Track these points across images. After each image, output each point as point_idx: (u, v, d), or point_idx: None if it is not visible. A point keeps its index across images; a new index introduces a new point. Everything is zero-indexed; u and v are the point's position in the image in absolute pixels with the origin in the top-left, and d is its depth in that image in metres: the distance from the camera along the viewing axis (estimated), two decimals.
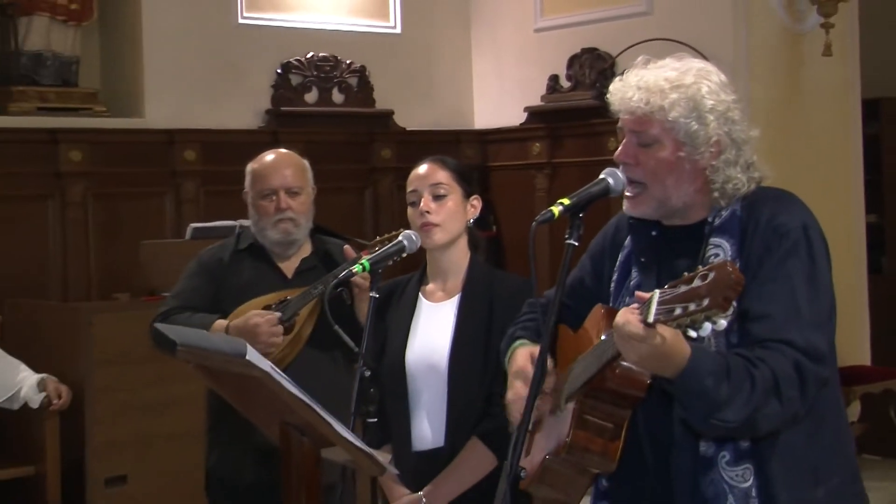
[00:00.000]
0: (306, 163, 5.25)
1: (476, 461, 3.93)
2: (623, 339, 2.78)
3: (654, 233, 3.25)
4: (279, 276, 5.13)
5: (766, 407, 2.87)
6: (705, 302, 2.59)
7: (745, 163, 3.15)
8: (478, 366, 3.97)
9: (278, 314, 4.87)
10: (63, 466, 7.22)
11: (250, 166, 5.22)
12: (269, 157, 5.22)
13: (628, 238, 3.32)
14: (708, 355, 2.84)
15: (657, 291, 2.70)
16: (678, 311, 2.63)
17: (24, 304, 8.09)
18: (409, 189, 4.17)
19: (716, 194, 3.15)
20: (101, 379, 7.28)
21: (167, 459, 7.31)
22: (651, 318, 2.68)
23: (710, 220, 3.16)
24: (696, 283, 2.63)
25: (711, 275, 2.62)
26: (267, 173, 5.13)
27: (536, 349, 3.31)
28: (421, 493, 4.02)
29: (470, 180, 4.22)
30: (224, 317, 4.97)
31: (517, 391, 3.32)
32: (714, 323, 2.62)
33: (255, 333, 4.77)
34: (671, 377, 2.83)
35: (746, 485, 3.01)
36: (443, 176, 4.13)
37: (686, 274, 2.68)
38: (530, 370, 3.24)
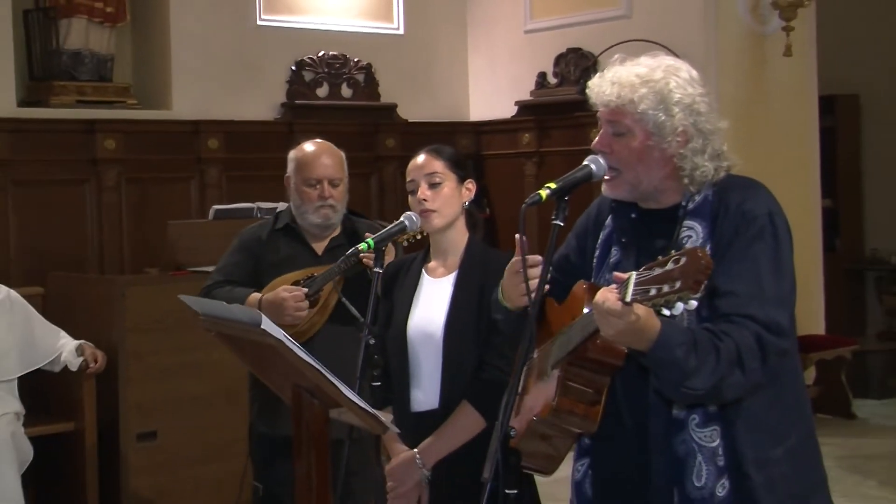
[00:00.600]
0: (343, 154, 5.28)
1: (465, 423, 3.92)
2: (602, 316, 2.80)
3: (633, 215, 3.25)
4: (311, 253, 5.15)
5: (730, 377, 2.90)
6: (677, 284, 2.62)
7: (713, 151, 3.15)
8: (470, 335, 3.97)
9: (304, 289, 4.90)
10: (99, 423, 7.24)
11: (294, 154, 5.23)
12: (313, 147, 5.23)
13: (609, 219, 3.32)
14: (677, 329, 2.85)
15: (634, 273, 2.72)
16: (653, 292, 2.65)
17: (63, 278, 8.09)
18: (408, 179, 4.17)
19: (685, 180, 3.15)
20: (133, 345, 7.29)
21: (192, 417, 7.34)
22: (628, 298, 2.70)
23: (683, 204, 3.16)
24: (670, 266, 2.65)
25: (683, 259, 2.63)
26: (312, 163, 5.15)
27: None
28: (416, 450, 4.02)
29: (464, 166, 4.20)
30: (259, 290, 5.02)
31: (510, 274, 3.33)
32: (686, 303, 2.64)
33: (282, 307, 4.85)
34: (644, 350, 2.85)
35: (714, 444, 3.01)
36: (437, 165, 4.12)
37: (661, 257, 2.69)
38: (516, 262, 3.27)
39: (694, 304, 2.65)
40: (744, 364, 2.91)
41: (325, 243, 5.16)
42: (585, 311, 2.96)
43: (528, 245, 3.16)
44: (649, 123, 3.12)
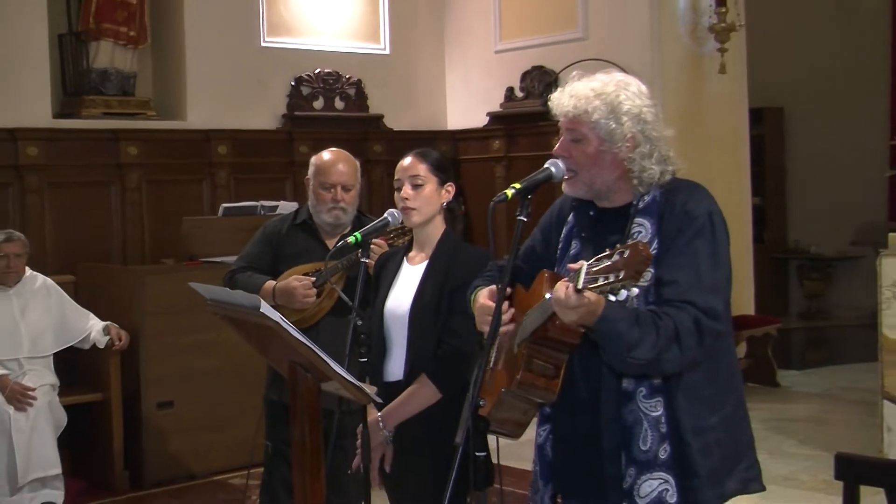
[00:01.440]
0: (357, 163, 5.25)
1: (422, 393, 3.89)
2: (558, 303, 2.80)
3: (591, 213, 3.24)
4: (323, 248, 5.12)
5: (668, 352, 2.90)
6: (622, 274, 2.63)
7: (660, 156, 3.14)
8: (431, 316, 3.95)
9: (312, 279, 4.94)
10: (123, 393, 7.26)
11: (314, 159, 5.20)
12: (330, 155, 5.19)
13: (571, 216, 3.31)
14: (620, 308, 2.85)
15: (584, 264, 2.72)
16: (601, 280, 2.66)
17: (92, 267, 8.09)
18: (395, 177, 4.15)
19: (635, 181, 3.14)
20: (152, 326, 7.32)
21: (204, 388, 7.36)
22: (580, 285, 2.70)
23: (634, 203, 3.15)
24: (615, 258, 2.66)
25: (627, 252, 2.65)
26: (328, 169, 5.12)
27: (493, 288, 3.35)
28: (379, 414, 4.02)
29: (446, 170, 4.16)
30: (275, 277, 5.05)
31: (480, 313, 3.30)
32: (629, 290, 2.65)
33: (293, 294, 4.92)
34: (593, 327, 2.86)
35: (657, 413, 3.01)
36: (421, 168, 4.10)
37: (608, 250, 2.70)
38: (488, 304, 3.25)
39: (636, 290, 2.67)
40: (681, 342, 2.91)
41: (335, 240, 5.15)
42: (547, 296, 2.96)
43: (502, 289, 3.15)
44: (602, 131, 3.11)
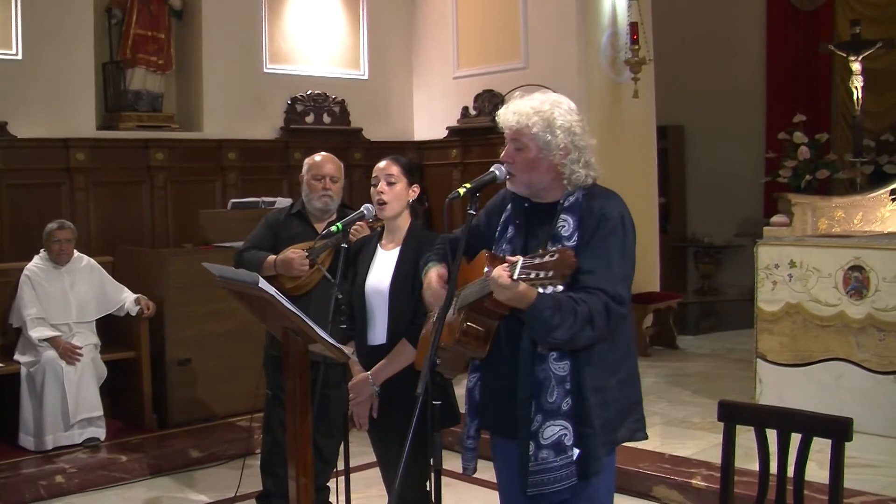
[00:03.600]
0: (342, 164, 5.33)
1: (404, 354, 3.90)
2: (496, 286, 2.83)
3: (526, 205, 3.25)
4: (314, 231, 5.17)
5: (582, 332, 2.92)
6: (550, 273, 2.65)
7: (585, 162, 3.15)
8: (407, 292, 3.95)
9: (306, 253, 4.97)
10: (151, 352, 7.24)
11: (308, 160, 5.28)
12: (319, 156, 5.27)
13: (509, 206, 3.31)
14: (547, 297, 2.86)
15: (521, 258, 2.73)
16: (532, 275, 2.68)
17: (127, 250, 8.04)
18: (373, 175, 4.14)
19: (565, 182, 3.15)
20: (175, 298, 7.30)
21: (217, 348, 7.35)
22: (515, 276, 2.72)
23: (561, 202, 3.15)
24: (547, 258, 2.67)
25: (557, 256, 2.66)
26: (319, 165, 5.21)
27: (442, 269, 3.38)
28: (368, 372, 4.04)
29: (414, 173, 4.17)
30: (275, 254, 5.08)
31: (429, 296, 3.34)
32: (554, 287, 2.70)
33: (290, 264, 4.97)
34: (524, 309, 2.88)
35: (564, 374, 3.02)
36: (395, 169, 4.10)
37: (541, 249, 2.72)
38: (435, 285, 3.30)
39: (560, 288, 2.70)
40: (594, 323, 2.92)
41: (323, 225, 5.17)
42: (486, 270, 2.98)
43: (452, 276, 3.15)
44: (540, 141, 3.12)
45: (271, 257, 5.06)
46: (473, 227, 3.32)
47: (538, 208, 3.23)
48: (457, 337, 3.05)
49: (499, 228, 3.32)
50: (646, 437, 3.25)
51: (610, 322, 2.98)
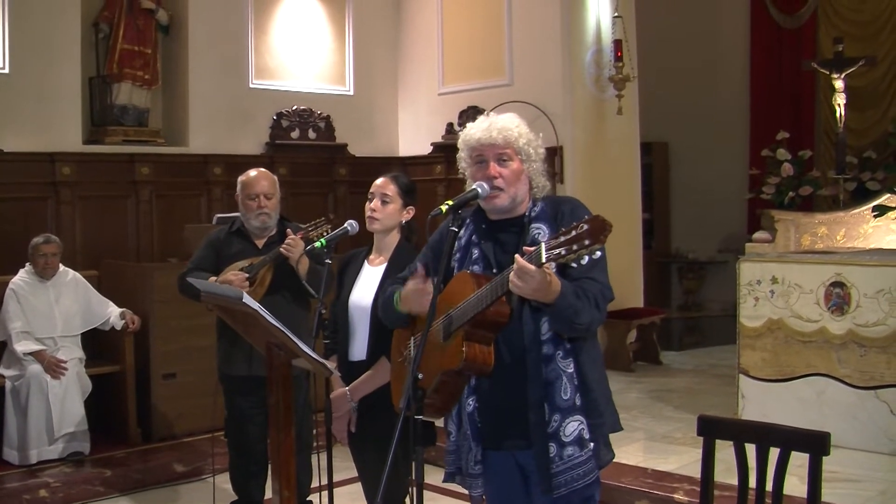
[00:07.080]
0: (275, 177, 5.33)
1: (383, 371, 3.88)
2: (521, 275, 2.80)
3: (484, 225, 3.29)
4: (254, 248, 5.20)
5: (596, 315, 3.02)
6: (587, 241, 2.59)
7: (544, 171, 3.28)
8: None
9: (246, 274, 4.98)
10: (136, 366, 7.23)
11: (241, 178, 5.27)
12: (253, 172, 5.27)
13: (466, 231, 3.32)
14: (568, 284, 2.94)
15: (542, 243, 2.72)
16: (564, 251, 2.63)
17: (112, 264, 8.06)
18: (370, 191, 4.11)
19: (534, 190, 3.25)
20: (160, 312, 7.31)
21: (200, 362, 7.30)
22: (543, 259, 2.70)
23: (527, 214, 3.22)
24: (574, 233, 2.62)
25: (586, 226, 2.61)
26: (252, 183, 5.21)
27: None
28: (346, 388, 4.04)
29: (411, 194, 4.15)
30: (216, 275, 5.07)
31: (414, 300, 3.32)
32: (592, 255, 2.62)
33: (230, 285, 4.85)
34: (550, 302, 2.90)
35: (571, 370, 3.07)
36: (391, 188, 4.08)
37: (563, 229, 2.69)
38: (415, 287, 3.27)
39: (599, 254, 2.64)
40: (600, 307, 3.04)
41: (264, 240, 5.23)
42: (485, 287, 2.97)
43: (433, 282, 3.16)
44: (522, 154, 3.22)
45: (212, 279, 4.99)
46: (424, 266, 3.34)
47: (497, 225, 3.27)
48: (464, 355, 3.02)
49: (456, 256, 3.32)
50: (622, 428, 3.32)
51: (605, 308, 3.09)
